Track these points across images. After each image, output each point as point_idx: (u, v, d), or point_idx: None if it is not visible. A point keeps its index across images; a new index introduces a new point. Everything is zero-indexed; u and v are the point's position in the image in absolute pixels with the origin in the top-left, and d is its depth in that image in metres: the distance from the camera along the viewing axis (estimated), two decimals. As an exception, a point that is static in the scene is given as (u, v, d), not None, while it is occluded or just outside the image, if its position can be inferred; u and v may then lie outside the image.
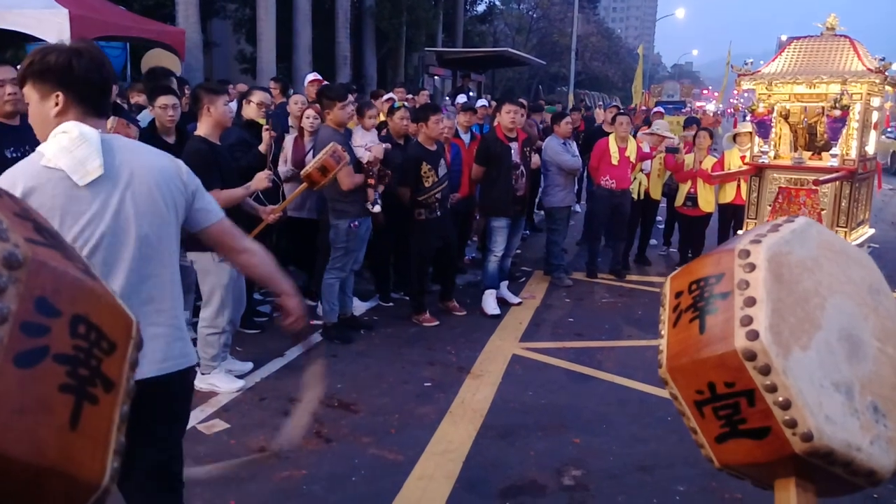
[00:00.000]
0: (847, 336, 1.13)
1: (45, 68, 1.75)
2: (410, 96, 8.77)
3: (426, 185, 5.28)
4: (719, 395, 1.08)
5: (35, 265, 0.82)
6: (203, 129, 3.94)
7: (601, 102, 22.71)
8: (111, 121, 3.64)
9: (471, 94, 13.49)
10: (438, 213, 5.38)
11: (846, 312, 1.15)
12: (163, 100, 4.28)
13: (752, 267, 1.10)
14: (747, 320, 1.05)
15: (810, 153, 6.66)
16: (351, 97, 6.15)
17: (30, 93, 1.79)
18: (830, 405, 1.06)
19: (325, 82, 7.43)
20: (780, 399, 1.03)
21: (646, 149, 7.12)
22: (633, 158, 6.82)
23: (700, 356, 1.09)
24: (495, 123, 6.42)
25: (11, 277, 0.78)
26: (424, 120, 5.36)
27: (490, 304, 5.78)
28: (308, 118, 5.39)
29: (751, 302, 1.06)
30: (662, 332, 1.19)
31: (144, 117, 4.74)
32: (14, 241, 0.81)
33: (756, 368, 1.03)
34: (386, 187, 5.09)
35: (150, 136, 4.33)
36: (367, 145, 5.19)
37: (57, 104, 1.76)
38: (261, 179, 4.09)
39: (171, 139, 4.34)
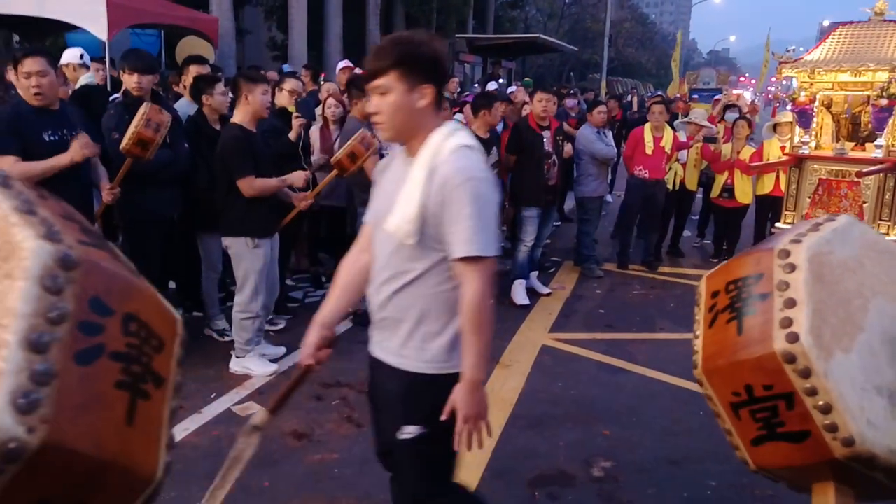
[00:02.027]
0: (890, 339, 1.10)
1: (417, 60, 1.74)
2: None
3: None
4: (757, 397, 1.06)
5: (88, 266, 0.83)
6: (239, 116, 3.99)
7: (634, 90, 22.33)
8: (144, 106, 3.69)
9: (501, 81, 13.38)
10: None
11: (889, 314, 1.12)
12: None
13: (793, 267, 1.07)
14: (787, 322, 1.03)
15: (853, 144, 6.47)
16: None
17: (394, 82, 1.74)
18: (873, 409, 1.04)
19: (357, 69, 7.44)
20: (821, 403, 1.01)
21: (682, 138, 7.00)
22: (668, 148, 6.71)
23: (737, 358, 1.07)
24: (527, 112, 6.38)
25: (68, 278, 0.80)
26: (487, 107, 5.36)
27: (520, 294, 5.76)
28: (329, 107, 5.42)
29: (791, 303, 1.04)
30: (698, 333, 1.17)
31: (181, 106, 4.79)
32: (68, 243, 0.82)
33: (796, 371, 1.01)
34: None
35: (201, 123, 4.43)
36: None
37: (424, 97, 1.76)
38: (299, 177, 4.17)
39: (217, 126, 4.43)
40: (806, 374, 1.02)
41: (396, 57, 1.72)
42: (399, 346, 1.90)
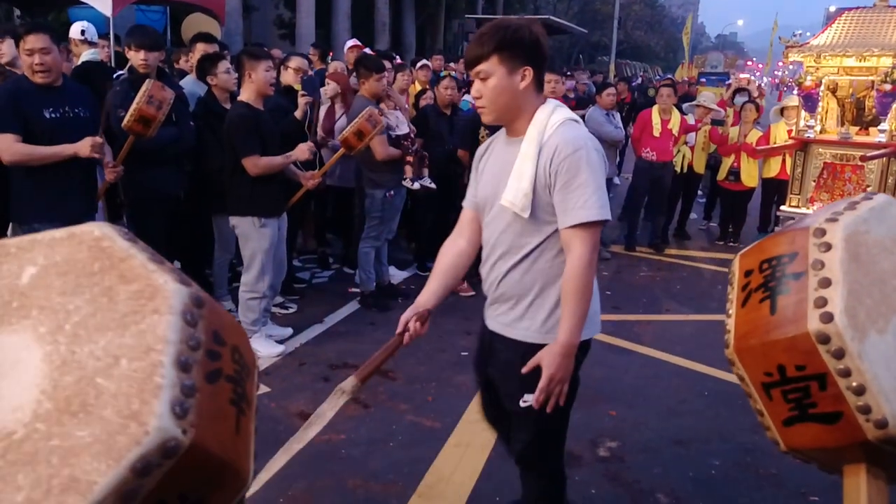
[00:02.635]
0: None
1: (517, 43, 1.81)
2: (452, 64, 8.65)
3: None
4: (789, 377, 1.05)
5: (210, 305, 1.01)
6: (245, 94, 3.95)
7: (645, 73, 22.18)
8: (147, 83, 3.64)
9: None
10: None
11: None
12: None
13: (828, 246, 1.05)
14: (822, 302, 1.01)
15: (857, 128, 6.44)
16: (389, 65, 6.12)
17: (495, 67, 1.83)
18: None
19: (365, 49, 7.36)
20: (854, 384, 0.99)
21: (691, 121, 6.95)
22: (675, 131, 6.67)
23: (770, 338, 1.05)
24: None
25: (199, 314, 0.98)
26: None
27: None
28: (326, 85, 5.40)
29: (826, 283, 1.02)
30: (730, 312, 1.15)
31: (187, 84, 4.75)
32: (195, 287, 1.00)
33: (829, 352, 0.99)
34: (430, 161, 5.07)
35: (211, 104, 4.41)
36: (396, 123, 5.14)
37: (524, 78, 1.84)
38: (302, 151, 4.11)
39: (227, 105, 4.40)
40: (840, 354, 1.00)
41: (497, 42, 1.80)
42: (517, 319, 1.98)
